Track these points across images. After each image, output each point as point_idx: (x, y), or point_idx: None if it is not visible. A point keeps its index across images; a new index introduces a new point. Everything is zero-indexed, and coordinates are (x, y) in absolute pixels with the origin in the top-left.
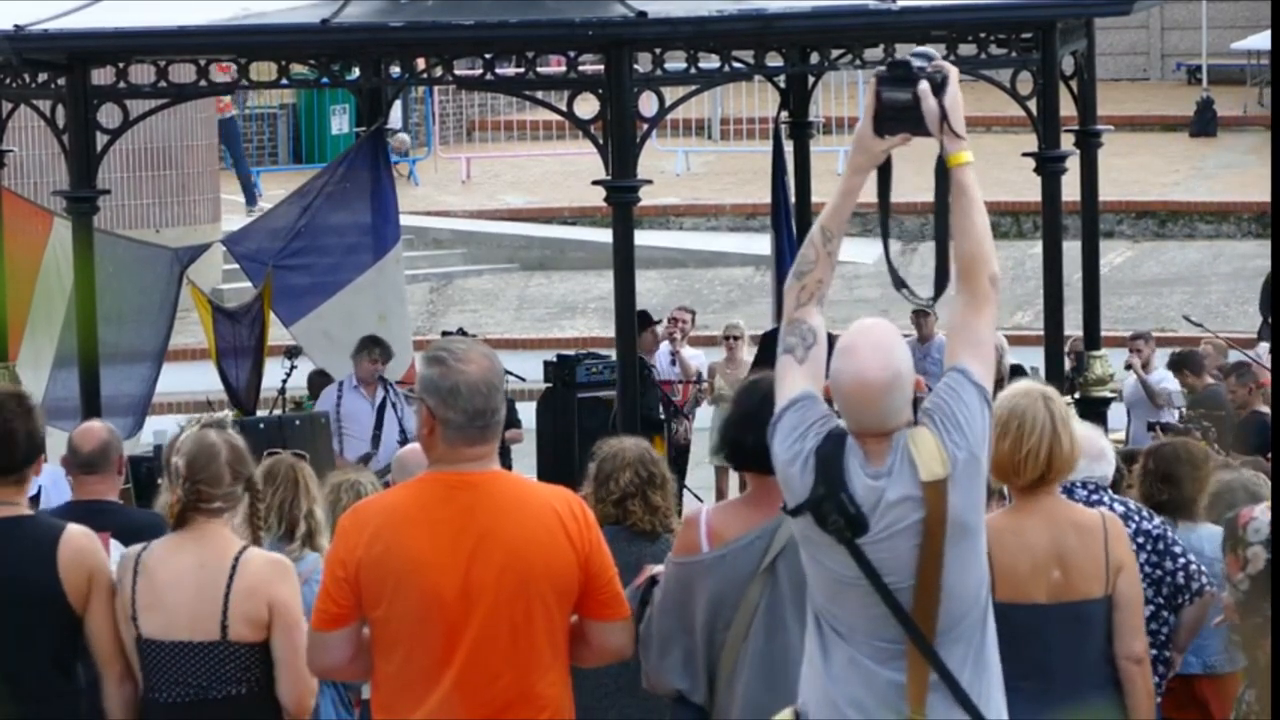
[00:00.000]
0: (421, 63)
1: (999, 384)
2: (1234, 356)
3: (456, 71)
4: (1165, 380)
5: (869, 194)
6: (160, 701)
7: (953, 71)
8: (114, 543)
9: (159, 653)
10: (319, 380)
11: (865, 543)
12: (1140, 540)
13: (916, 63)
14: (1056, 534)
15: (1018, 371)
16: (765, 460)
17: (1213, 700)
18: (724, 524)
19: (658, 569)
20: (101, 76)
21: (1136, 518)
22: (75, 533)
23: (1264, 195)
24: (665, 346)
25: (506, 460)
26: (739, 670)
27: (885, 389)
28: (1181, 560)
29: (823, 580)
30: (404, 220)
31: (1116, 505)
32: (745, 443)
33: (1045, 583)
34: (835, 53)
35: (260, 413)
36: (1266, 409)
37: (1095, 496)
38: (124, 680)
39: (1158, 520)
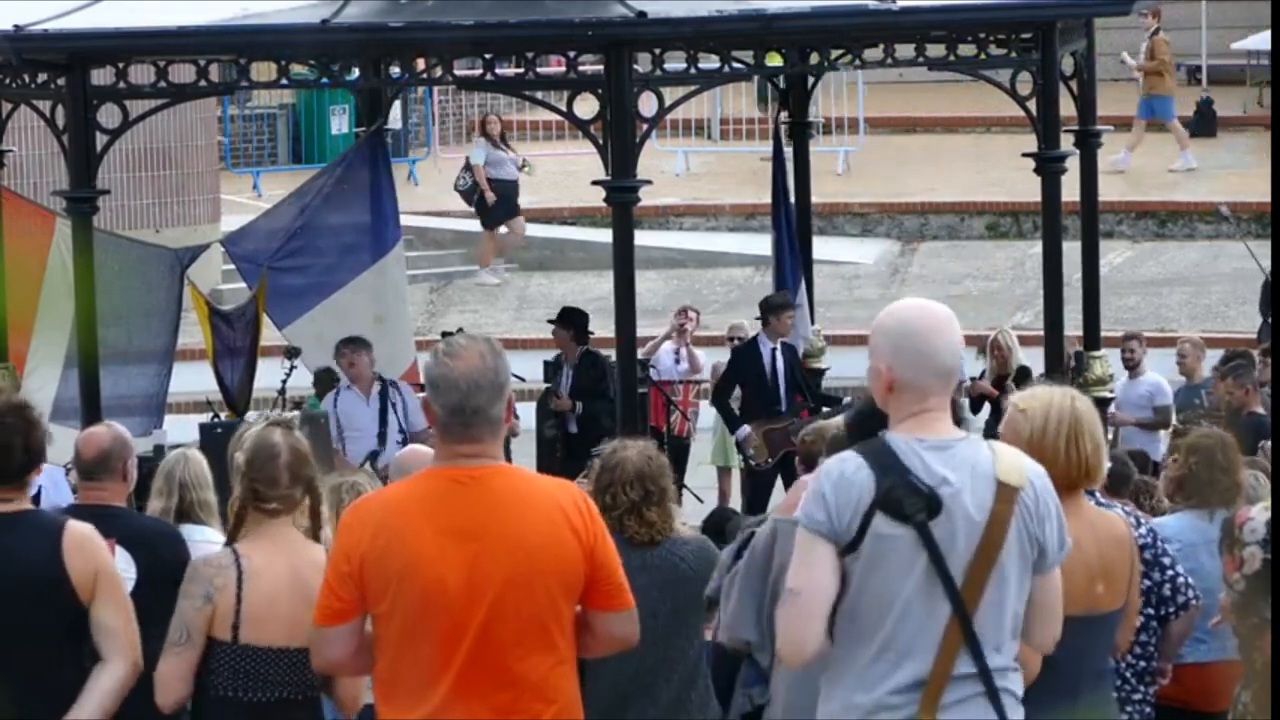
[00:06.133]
0: (421, 63)
1: (1004, 380)
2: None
3: (456, 71)
4: (1157, 391)
5: (870, 194)
6: (245, 700)
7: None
8: (120, 549)
9: (254, 658)
10: (325, 378)
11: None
12: None
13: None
14: (1102, 547)
15: (1024, 373)
16: None
17: (1196, 687)
18: None
19: (758, 527)
20: (101, 76)
21: None
22: (77, 526)
23: (1264, 195)
24: (669, 345)
25: (507, 457)
26: None
27: (951, 321)
28: (1170, 572)
29: (877, 600)
30: (404, 220)
31: (1124, 520)
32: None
33: (1091, 595)
34: (835, 53)
35: (255, 413)
36: (1262, 410)
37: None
38: (135, 673)
39: (1145, 529)
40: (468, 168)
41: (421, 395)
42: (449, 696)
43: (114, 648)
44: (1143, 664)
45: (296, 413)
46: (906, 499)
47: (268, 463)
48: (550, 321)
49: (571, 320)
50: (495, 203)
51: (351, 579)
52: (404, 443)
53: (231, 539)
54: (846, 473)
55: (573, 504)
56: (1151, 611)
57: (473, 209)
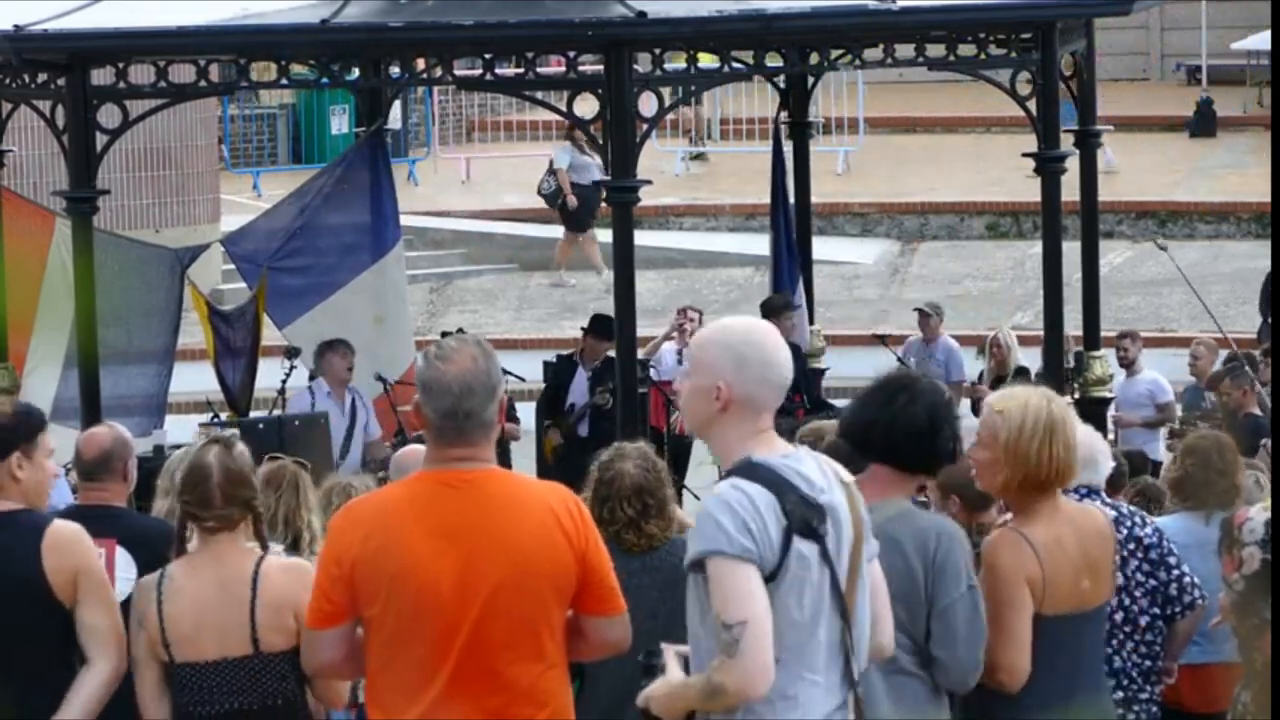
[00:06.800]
0: (421, 63)
1: (1003, 380)
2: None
3: (456, 71)
4: (1157, 389)
5: (870, 194)
6: (200, 714)
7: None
8: (120, 549)
9: (194, 674)
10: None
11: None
12: (1131, 547)
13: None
14: (1085, 543)
15: (1022, 372)
16: (883, 453)
17: (1190, 689)
18: None
19: None
20: (101, 76)
21: (1129, 523)
22: (60, 526)
23: (1264, 195)
24: (671, 345)
25: (506, 460)
26: None
27: (780, 336)
28: (1175, 571)
29: (795, 622)
30: (404, 220)
31: (1108, 510)
32: (872, 437)
33: (1078, 592)
34: (835, 53)
35: (259, 413)
36: (1259, 412)
37: (1085, 501)
38: (118, 675)
39: (1151, 528)
40: (551, 171)
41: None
42: (440, 699)
43: (97, 649)
44: (1148, 663)
45: (235, 430)
46: (812, 515)
47: (200, 484)
48: (584, 329)
49: (607, 329)
50: (577, 208)
51: (342, 582)
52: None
53: (179, 554)
54: (755, 498)
55: (564, 508)
56: (1158, 611)
57: (556, 212)
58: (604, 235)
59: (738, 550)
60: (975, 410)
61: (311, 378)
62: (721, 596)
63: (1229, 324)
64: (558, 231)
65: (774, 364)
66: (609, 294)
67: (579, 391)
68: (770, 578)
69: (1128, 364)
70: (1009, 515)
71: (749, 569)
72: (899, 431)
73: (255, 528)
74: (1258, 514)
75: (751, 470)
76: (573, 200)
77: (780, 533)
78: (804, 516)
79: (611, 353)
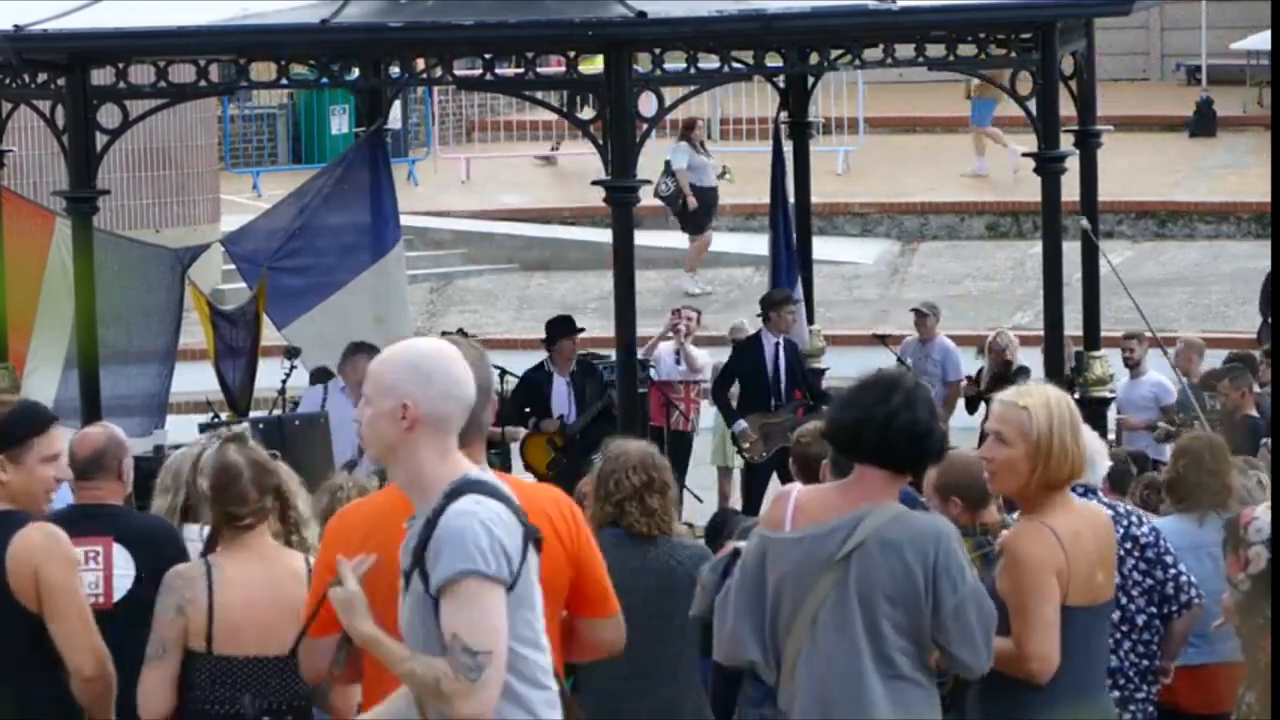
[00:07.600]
0: (421, 63)
1: (1003, 381)
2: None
3: (456, 71)
4: (1161, 390)
5: (870, 194)
6: (223, 712)
7: None
8: (118, 547)
9: (229, 669)
10: (323, 377)
11: None
12: (1128, 546)
13: None
14: (1098, 537)
15: (1022, 372)
16: (875, 454)
17: (1186, 690)
18: (812, 505)
19: (740, 543)
20: (101, 76)
21: (1125, 522)
22: (29, 533)
23: (1264, 195)
24: (669, 345)
25: (507, 459)
26: (798, 667)
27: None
28: (1173, 570)
29: (522, 634)
30: (404, 220)
31: (1105, 510)
32: (863, 437)
33: (1092, 585)
34: (835, 53)
35: (258, 413)
36: (1257, 414)
37: (1084, 499)
38: (94, 679)
39: (1147, 527)
40: (669, 173)
41: None
42: None
43: (68, 661)
44: (1145, 663)
45: (246, 425)
46: (533, 528)
47: (233, 484)
48: (546, 340)
49: (568, 324)
50: (696, 209)
51: None
52: None
53: (207, 553)
54: (500, 515)
55: (557, 509)
56: (1155, 610)
57: (674, 215)
58: (604, 235)
59: (494, 571)
60: (970, 410)
61: (312, 381)
62: (469, 620)
63: (1229, 324)
64: (558, 232)
65: (460, 381)
66: (609, 295)
67: (561, 400)
68: (509, 589)
69: (1132, 365)
70: (1012, 515)
71: (501, 593)
72: (896, 432)
73: (283, 513)
74: (1264, 513)
75: (481, 487)
76: (693, 201)
77: (520, 546)
78: (530, 529)
79: (608, 351)
